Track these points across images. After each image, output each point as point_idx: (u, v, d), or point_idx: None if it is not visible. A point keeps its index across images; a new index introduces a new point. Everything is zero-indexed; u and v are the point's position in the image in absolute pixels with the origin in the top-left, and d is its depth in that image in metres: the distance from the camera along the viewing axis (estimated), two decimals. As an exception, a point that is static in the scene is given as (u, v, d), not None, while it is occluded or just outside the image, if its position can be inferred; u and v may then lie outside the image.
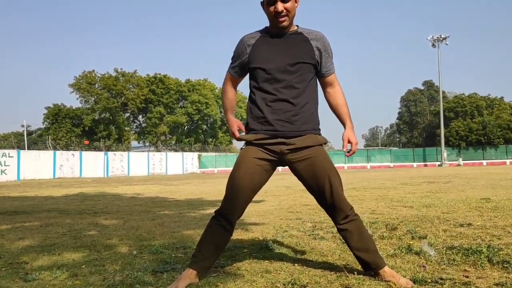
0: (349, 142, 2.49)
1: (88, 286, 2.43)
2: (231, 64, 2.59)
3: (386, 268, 2.41)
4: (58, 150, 40.99)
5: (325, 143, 2.54)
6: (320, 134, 2.50)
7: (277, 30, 2.42)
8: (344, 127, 2.52)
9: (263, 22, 2.42)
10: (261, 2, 2.46)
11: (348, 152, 2.48)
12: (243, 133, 2.52)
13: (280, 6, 2.34)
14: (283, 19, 2.36)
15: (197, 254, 2.46)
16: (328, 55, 2.49)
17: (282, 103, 2.38)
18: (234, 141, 64.69)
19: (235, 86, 2.66)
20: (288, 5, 2.36)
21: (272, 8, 2.36)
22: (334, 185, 2.42)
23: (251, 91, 2.50)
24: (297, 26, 2.49)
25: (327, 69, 2.50)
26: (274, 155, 2.43)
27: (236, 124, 2.53)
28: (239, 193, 2.41)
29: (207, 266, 2.48)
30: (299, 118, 2.39)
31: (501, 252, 2.91)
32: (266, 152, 2.42)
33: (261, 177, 2.47)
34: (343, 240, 3.53)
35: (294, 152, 2.41)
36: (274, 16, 2.37)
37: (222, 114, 63.22)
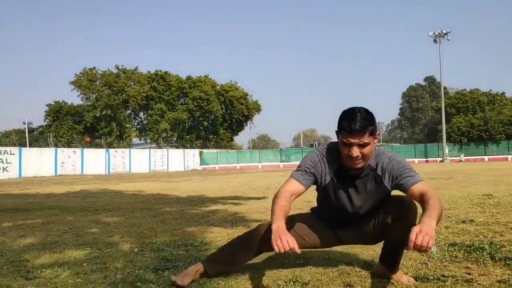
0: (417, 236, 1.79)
1: (90, 284, 2.43)
2: (301, 170, 2.31)
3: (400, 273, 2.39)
4: (60, 147, 40.99)
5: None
6: None
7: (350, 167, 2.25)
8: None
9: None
10: (336, 131, 2.21)
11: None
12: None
13: (356, 151, 2.14)
14: (358, 162, 2.18)
15: (217, 256, 2.50)
16: (406, 176, 2.21)
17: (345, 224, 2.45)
18: (235, 137, 64.65)
19: (296, 195, 2.30)
20: (365, 150, 2.16)
21: (346, 150, 2.16)
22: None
23: (320, 202, 2.53)
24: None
25: (406, 185, 2.20)
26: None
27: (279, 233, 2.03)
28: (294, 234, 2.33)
29: (218, 271, 2.46)
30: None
31: (503, 249, 2.90)
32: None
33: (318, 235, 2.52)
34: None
35: None
36: (347, 157, 2.19)
37: (224, 110, 63.26)
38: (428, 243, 1.75)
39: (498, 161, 44.51)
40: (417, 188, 2.15)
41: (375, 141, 2.20)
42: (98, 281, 2.48)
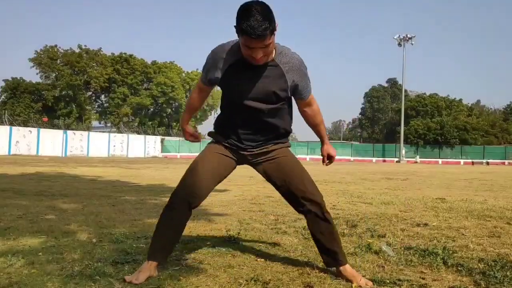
0: (329, 156, 2.67)
1: (46, 275, 2.36)
2: (202, 76, 2.45)
3: (347, 266, 2.47)
4: (15, 125, 39.46)
5: (289, 147, 2.62)
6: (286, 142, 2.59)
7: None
8: (322, 144, 2.69)
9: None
10: (235, 27, 2.13)
11: (327, 163, 2.72)
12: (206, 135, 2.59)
13: (259, 53, 2.14)
14: (260, 60, 2.19)
15: (154, 244, 2.45)
16: (306, 82, 2.40)
17: (249, 129, 2.43)
18: (199, 127, 64.15)
19: (204, 97, 2.64)
20: (268, 50, 2.16)
21: (249, 52, 2.15)
22: (304, 178, 2.49)
23: (222, 105, 2.50)
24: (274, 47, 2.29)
25: (304, 95, 2.44)
26: (236, 157, 2.52)
27: (189, 135, 2.71)
28: (200, 179, 2.42)
29: (166, 256, 2.48)
30: (265, 140, 2.47)
31: (455, 254, 3.02)
32: (230, 153, 2.50)
33: (223, 169, 2.51)
34: (305, 236, 3.60)
35: (258, 156, 2.50)
36: (249, 57, 2.18)
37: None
38: (335, 154, 2.68)
39: (451, 165, 46.28)
40: (310, 101, 2.51)
41: (275, 34, 2.17)
42: (54, 272, 2.41)
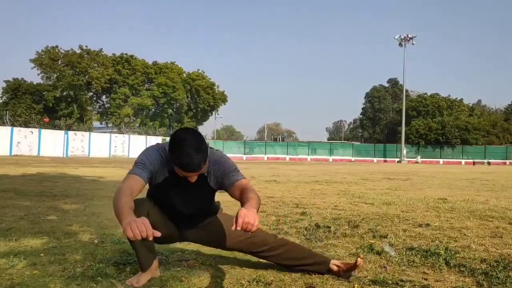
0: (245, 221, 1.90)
1: (48, 276, 2.36)
2: (139, 166, 2.22)
3: (332, 261, 2.52)
4: (16, 126, 39.48)
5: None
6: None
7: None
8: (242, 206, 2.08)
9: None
10: (169, 155, 2.19)
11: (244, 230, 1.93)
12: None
13: (194, 178, 2.24)
14: (192, 179, 2.26)
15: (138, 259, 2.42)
16: (228, 175, 2.30)
17: (181, 217, 2.48)
18: (200, 127, 64.09)
19: (138, 190, 2.19)
20: (201, 172, 2.21)
21: (183, 174, 2.18)
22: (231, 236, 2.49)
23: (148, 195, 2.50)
24: None
25: (232, 182, 2.29)
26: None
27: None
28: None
29: (152, 258, 2.40)
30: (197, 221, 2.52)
31: (457, 255, 3.02)
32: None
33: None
34: (306, 236, 3.60)
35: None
36: (183, 177, 2.22)
37: (189, 99, 62.64)
38: (254, 221, 1.90)
39: (452, 165, 46.28)
40: (238, 184, 2.26)
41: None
42: (56, 273, 2.42)
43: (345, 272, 2.45)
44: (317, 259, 2.55)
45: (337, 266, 2.48)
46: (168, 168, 2.27)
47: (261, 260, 2.81)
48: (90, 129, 52.33)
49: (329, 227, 4.02)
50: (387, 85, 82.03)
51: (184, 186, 2.31)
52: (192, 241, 2.63)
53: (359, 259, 2.39)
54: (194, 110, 62.91)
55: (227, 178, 2.29)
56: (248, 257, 2.88)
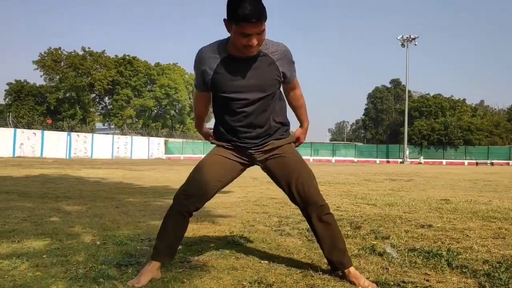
0: (297, 140, 2.70)
1: (50, 278, 2.36)
2: (196, 82, 2.44)
3: (351, 269, 2.46)
4: (19, 128, 39.60)
5: (293, 142, 2.64)
6: (287, 136, 2.57)
7: (243, 55, 2.25)
8: (300, 126, 2.73)
9: None
10: (225, 19, 2.15)
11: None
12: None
13: (255, 40, 2.13)
14: (254, 50, 2.20)
15: (159, 245, 2.46)
16: (292, 67, 2.42)
17: (246, 126, 2.41)
18: (208, 124, 64.27)
19: (207, 102, 2.57)
20: (262, 36, 2.16)
21: (244, 41, 2.13)
22: (305, 179, 2.47)
23: (215, 110, 2.49)
24: None
25: (291, 79, 2.46)
26: (243, 158, 2.51)
27: (208, 136, 2.71)
28: (203, 183, 2.43)
29: (170, 256, 2.50)
30: (264, 134, 2.46)
31: (460, 256, 3.01)
32: (236, 155, 2.49)
33: (227, 173, 2.51)
34: (308, 237, 3.60)
35: (263, 154, 2.49)
36: (244, 47, 2.17)
37: (191, 100, 62.63)
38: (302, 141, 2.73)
39: (455, 165, 46.15)
40: (294, 84, 2.52)
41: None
42: (58, 275, 2.42)
43: (350, 282, 2.41)
44: (347, 254, 2.53)
45: (353, 275, 2.41)
46: (219, 59, 2.28)
47: (262, 261, 2.82)
48: (92, 130, 52.46)
49: (331, 228, 4.01)
50: (389, 85, 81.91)
51: (244, 63, 2.27)
52: (263, 169, 2.57)
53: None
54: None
55: (288, 74, 2.40)
56: (250, 258, 2.89)
